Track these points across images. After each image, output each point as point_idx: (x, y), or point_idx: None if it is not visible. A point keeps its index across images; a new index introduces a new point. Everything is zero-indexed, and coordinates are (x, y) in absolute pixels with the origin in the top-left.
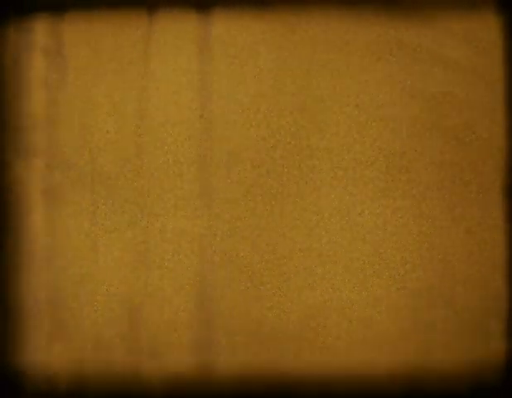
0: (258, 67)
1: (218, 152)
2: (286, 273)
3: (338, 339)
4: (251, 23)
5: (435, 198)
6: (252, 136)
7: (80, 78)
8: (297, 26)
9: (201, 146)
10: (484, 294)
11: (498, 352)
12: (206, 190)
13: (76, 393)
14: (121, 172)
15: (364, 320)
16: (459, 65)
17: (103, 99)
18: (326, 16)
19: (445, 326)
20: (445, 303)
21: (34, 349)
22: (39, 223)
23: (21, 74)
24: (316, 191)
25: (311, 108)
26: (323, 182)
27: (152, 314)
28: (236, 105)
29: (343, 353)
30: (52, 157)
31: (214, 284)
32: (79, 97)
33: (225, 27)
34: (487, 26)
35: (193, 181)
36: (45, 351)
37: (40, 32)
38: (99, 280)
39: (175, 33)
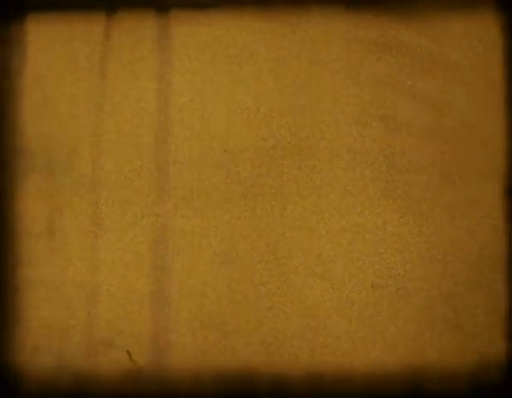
0: (258, 67)
1: (218, 152)
2: (286, 273)
3: (338, 339)
4: (251, 23)
5: (435, 198)
6: (252, 136)
7: (80, 77)
8: (297, 26)
9: (201, 146)
10: (484, 294)
11: (498, 352)
12: (206, 190)
13: (76, 394)
14: (121, 172)
15: (364, 320)
16: (459, 65)
17: (102, 99)
18: (326, 17)
19: (445, 326)
20: (445, 303)
21: (33, 349)
22: (39, 223)
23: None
24: (316, 191)
25: (311, 108)
26: (323, 182)
27: (152, 314)
28: (236, 105)
29: (343, 353)
30: (52, 157)
31: (214, 284)
32: (79, 97)
33: (226, 27)
34: (487, 26)
35: (193, 181)
36: (45, 351)
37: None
38: (99, 280)
39: (175, 33)
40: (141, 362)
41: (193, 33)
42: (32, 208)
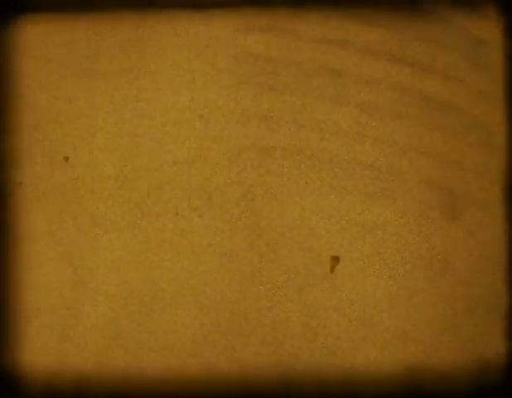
0: (257, 67)
1: (218, 152)
2: (286, 273)
3: (338, 339)
4: (251, 23)
5: (435, 198)
6: (252, 136)
7: (80, 77)
8: (297, 26)
9: (201, 146)
10: (484, 294)
11: (498, 353)
12: (206, 190)
13: (76, 394)
14: (121, 172)
15: (364, 320)
16: (459, 65)
17: (102, 99)
18: (326, 16)
19: (445, 326)
20: (445, 303)
21: (33, 349)
22: (39, 223)
23: (20, 73)
24: (316, 191)
25: (311, 108)
26: (323, 182)
27: (152, 314)
28: (236, 105)
29: (343, 353)
30: (52, 158)
31: (214, 284)
32: (79, 97)
33: (225, 27)
34: (487, 26)
35: (193, 181)
36: (45, 351)
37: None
38: (99, 280)
39: (175, 33)
40: (141, 363)
41: (193, 33)
42: (32, 208)
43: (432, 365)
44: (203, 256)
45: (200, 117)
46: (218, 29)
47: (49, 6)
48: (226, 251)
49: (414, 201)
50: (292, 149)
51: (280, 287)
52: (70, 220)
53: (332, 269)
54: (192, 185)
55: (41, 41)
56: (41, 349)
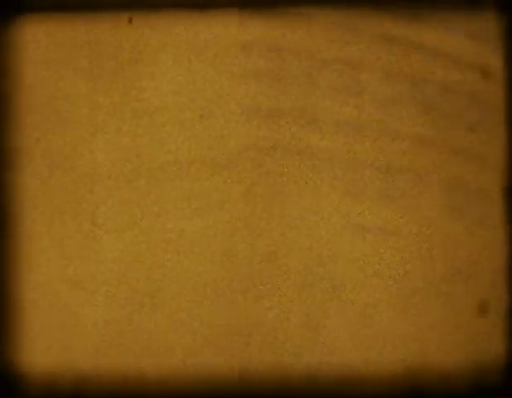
0: (258, 67)
1: (218, 152)
2: (286, 273)
3: (338, 339)
4: (251, 23)
5: (435, 198)
6: (252, 136)
7: (79, 78)
8: (297, 26)
9: (201, 146)
10: (484, 294)
11: (498, 353)
12: (206, 190)
13: (76, 394)
14: (121, 172)
15: (364, 320)
16: (460, 65)
17: (103, 99)
18: (326, 16)
19: (445, 326)
20: (445, 303)
21: (33, 349)
22: (39, 223)
23: (20, 73)
24: (316, 191)
25: (311, 108)
26: (323, 182)
27: (151, 314)
28: (236, 105)
29: (343, 353)
30: (52, 157)
31: (214, 284)
32: (79, 97)
33: (225, 27)
34: (487, 26)
35: (193, 181)
36: (45, 351)
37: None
38: (98, 280)
39: (175, 33)
40: (141, 362)
41: (193, 33)
42: (32, 208)
43: (432, 365)
44: (203, 256)
45: (200, 117)
46: (218, 29)
47: (49, 6)
48: (226, 251)
49: (414, 200)
50: (292, 149)
51: (280, 287)
52: (70, 220)
53: None
54: (192, 185)
55: (40, 41)
56: (41, 349)
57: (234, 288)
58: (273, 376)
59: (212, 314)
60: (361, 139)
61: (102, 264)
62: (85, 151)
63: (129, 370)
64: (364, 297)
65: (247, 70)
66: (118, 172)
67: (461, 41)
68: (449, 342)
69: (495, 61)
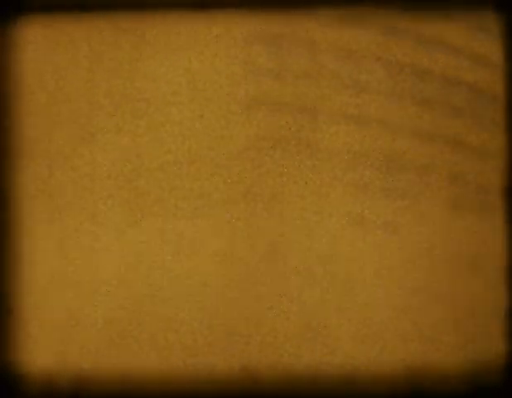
0: (258, 67)
1: (218, 152)
2: (286, 273)
3: (338, 339)
4: (251, 23)
5: (435, 198)
6: (252, 136)
7: (80, 77)
8: (297, 26)
9: (201, 146)
10: (484, 294)
11: (498, 353)
12: (206, 190)
13: (76, 394)
14: (121, 172)
15: (364, 320)
16: (459, 66)
17: (103, 99)
18: (327, 16)
19: (445, 326)
20: (445, 304)
21: (33, 349)
22: (39, 223)
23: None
24: (316, 191)
25: (311, 108)
26: (323, 182)
27: (152, 314)
28: (236, 105)
29: (343, 353)
30: (52, 158)
31: (215, 284)
32: (79, 97)
33: (225, 27)
34: (488, 20)
35: (193, 181)
36: (45, 351)
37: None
38: (99, 280)
39: (175, 33)
40: (141, 363)
41: (193, 33)
42: (32, 208)
43: (432, 365)
44: (203, 256)
45: (200, 117)
46: (218, 29)
47: (49, 6)
48: (226, 251)
49: (415, 198)
50: (292, 149)
51: (280, 287)
52: (70, 220)
53: None
54: (192, 185)
55: (40, 41)
56: (41, 349)
57: (233, 288)
58: (273, 376)
59: (212, 314)
60: (362, 137)
61: (102, 264)
62: (85, 151)
63: (129, 370)
64: (364, 297)
65: (247, 70)
66: (118, 172)
67: (463, 36)
68: (449, 342)
69: (497, 56)
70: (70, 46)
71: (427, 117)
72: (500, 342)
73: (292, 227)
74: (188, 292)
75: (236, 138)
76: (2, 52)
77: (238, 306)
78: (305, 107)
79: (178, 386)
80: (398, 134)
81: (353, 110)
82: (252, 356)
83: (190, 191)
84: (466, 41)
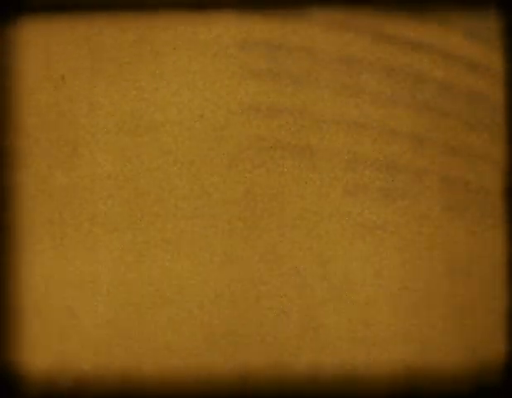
0: (258, 67)
1: (218, 152)
2: (286, 273)
3: (338, 339)
4: (251, 23)
5: (435, 198)
6: (252, 136)
7: (79, 78)
8: (297, 26)
9: (201, 146)
10: (484, 294)
11: (498, 353)
12: (206, 190)
13: (76, 394)
14: (121, 172)
15: (364, 320)
16: (460, 65)
17: (102, 99)
18: (327, 16)
19: (445, 326)
20: (445, 303)
21: (33, 349)
22: (39, 223)
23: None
24: (316, 191)
25: (311, 108)
26: (323, 182)
27: (152, 314)
28: (236, 105)
29: (343, 353)
30: (52, 158)
31: (214, 284)
32: (79, 97)
33: (225, 27)
34: (487, 24)
35: (193, 181)
36: (45, 351)
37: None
38: (99, 280)
39: (175, 33)
40: (141, 362)
41: (193, 33)
42: (32, 208)
43: (432, 365)
44: (203, 256)
45: (200, 117)
46: (218, 29)
47: (49, 6)
48: (226, 251)
49: (414, 200)
50: (292, 149)
51: (280, 287)
52: (70, 220)
53: None
54: (192, 185)
55: (40, 41)
56: (41, 349)
57: (233, 288)
58: (273, 376)
59: (212, 314)
60: (361, 139)
61: (102, 264)
62: (85, 151)
63: (129, 370)
64: (364, 297)
65: (247, 70)
66: (118, 172)
67: (462, 40)
68: (449, 342)
69: (496, 60)
70: (69, 46)
71: (425, 120)
72: (500, 342)
73: (292, 227)
74: (188, 292)
75: (236, 138)
76: (2, 52)
77: (238, 306)
78: (305, 108)
79: (178, 386)
80: (396, 137)
81: (352, 113)
82: (252, 357)
83: (190, 191)
84: (463, 45)
